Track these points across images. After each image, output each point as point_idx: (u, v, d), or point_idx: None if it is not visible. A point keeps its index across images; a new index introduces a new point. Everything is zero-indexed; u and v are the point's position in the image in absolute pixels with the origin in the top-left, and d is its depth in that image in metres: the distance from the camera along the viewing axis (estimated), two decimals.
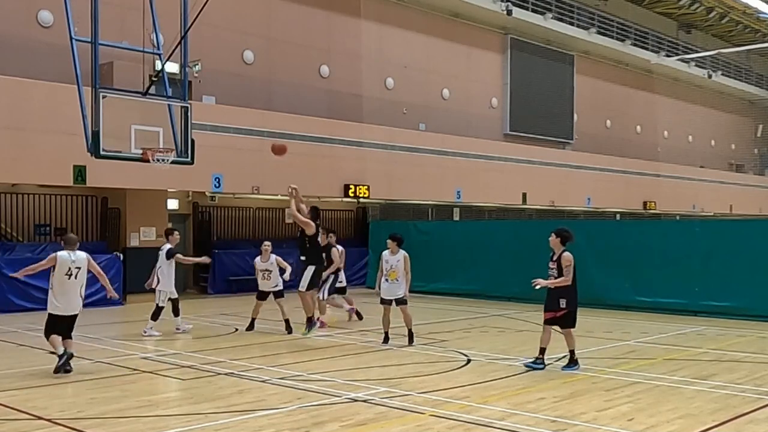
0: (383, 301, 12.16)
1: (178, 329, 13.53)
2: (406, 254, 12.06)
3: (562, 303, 9.81)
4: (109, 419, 7.54)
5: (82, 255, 9.89)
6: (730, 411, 7.80)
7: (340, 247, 15.05)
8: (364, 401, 8.21)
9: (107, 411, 7.88)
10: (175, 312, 13.53)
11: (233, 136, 19.54)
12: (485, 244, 19.70)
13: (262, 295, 13.96)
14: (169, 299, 13.43)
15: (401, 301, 12.04)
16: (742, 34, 43.33)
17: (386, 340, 12.18)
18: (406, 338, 12.12)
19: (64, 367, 9.58)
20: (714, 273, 15.82)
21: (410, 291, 12.22)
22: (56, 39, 16.93)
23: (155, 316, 13.27)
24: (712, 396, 8.50)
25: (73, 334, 10.28)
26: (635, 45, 36.64)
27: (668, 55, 38.61)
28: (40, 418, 7.52)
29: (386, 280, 12.06)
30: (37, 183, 17.28)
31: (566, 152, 32.19)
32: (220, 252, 20.77)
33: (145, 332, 13.14)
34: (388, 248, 12.16)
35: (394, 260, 12.02)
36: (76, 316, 9.95)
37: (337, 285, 15.00)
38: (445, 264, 20.27)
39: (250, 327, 13.75)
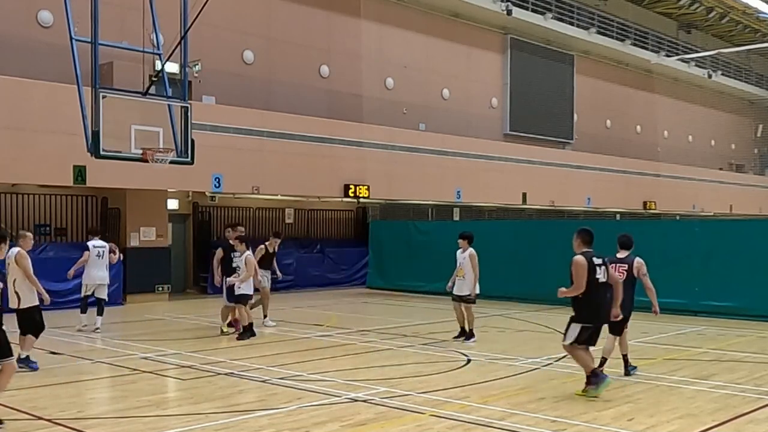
0: (453, 298, 12.50)
1: (98, 328, 13.67)
2: (473, 252, 12.37)
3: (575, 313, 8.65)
4: (109, 419, 7.54)
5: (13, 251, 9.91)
6: (730, 411, 7.81)
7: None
8: (364, 401, 8.22)
9: (107, 411, 7.89)
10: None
11: (233, 136, 19.53)
12: (485, 244, 19.57)
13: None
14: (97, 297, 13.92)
15: (464, 299, 12.31)
16: (742, 34, 43.32)
17: (460, 335, 12.45)
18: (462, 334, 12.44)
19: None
20: (714, 273, 15.81)
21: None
22: (56, 39, 16.92)
23: (102, 310, 13.82)
24: (712, 396, 8.50)
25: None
26: (635, 45, 36.63)
27: (668, 55, 38.60)
28: (40, 418, 7.52)
29: (456, 277, 12.37)
30: (37, 183, 17.27)
31: (566, 152, 32.18)
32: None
33: (98, 329, 13.55)
34: (460, 247, 12.43)
35: (462, 258, 12.35)
36: (15, 311, 9.85)
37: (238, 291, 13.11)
38: (445, 264, 20.18)
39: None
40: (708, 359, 10.98)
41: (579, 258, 8.54)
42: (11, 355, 7.23)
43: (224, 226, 19.27)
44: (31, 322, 9.94)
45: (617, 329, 9.43)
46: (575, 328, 8.47)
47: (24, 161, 15.97)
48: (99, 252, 13.96)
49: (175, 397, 8.94)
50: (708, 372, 9.93)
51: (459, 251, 12.46)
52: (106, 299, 14.15)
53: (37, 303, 9.89)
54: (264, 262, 14.22)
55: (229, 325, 13.45)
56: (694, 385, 9.06)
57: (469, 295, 12.29)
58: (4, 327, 7.25)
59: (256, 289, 13.70)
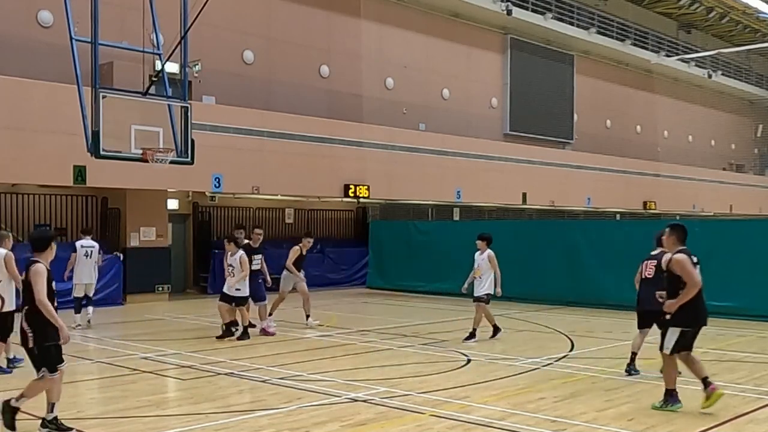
0: (473, 300, 12.56)
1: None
2: (492, 253, 12.39)
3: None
4: (109, 419, 7.53)
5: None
6: (730, 411, 7.80)
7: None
8: (364, 401, 8.21)
9: (107, 411, 7.88)
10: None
11: (233, 136, 19.52)
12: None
13: (225, 297, 12.96)
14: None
15: (477, 299, 12.37)
16: (742, 34, 43.29)
17: (494, 333, 12.61)
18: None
19: None
20: (714, 273, 15.61)
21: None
22: (56, 39, 16.91)
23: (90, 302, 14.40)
24: None
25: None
26: (635, 45, 36.61)
27: (668, 55, 38.59)
28: (41, 418, 7.50)
29: (474, 277, 12.46)
30: (37, 183, 17.27)
31: (566, 152, 32.17)
32: (220, 252, 20.70)
33: (89, 320, 14.23)
34: (478, 248, 12.49)
35: (480, 259, 12.41)
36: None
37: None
38: (445, 264, 20.24)
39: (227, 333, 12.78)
40: (708, 359, 10.93)
41: (681, 256, 7.84)
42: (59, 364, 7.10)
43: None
44: (3, 327, 9.65)
45: (647, 324, 9.51)
46: (674, 333, 7.79)
47: (24, 161, 15.97)
48: (87, 252, 14.13)
49: (175, 397, 8.93)
50: (708, 372, 9.90)
51: (477, 253, 12.50)
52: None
53: (15, 308, 9.63)
54: (298, 263, 14.30)
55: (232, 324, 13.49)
56: (694, 385, 9.01)
57: (483, 295, 12.35)
58: None
59: (269, 289, 13.75)
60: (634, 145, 37.45)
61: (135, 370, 10.11)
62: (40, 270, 6.90)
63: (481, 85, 30.28)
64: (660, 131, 39.96)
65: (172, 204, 20.77)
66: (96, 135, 11.52)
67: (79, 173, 16.35)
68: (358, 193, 22.35)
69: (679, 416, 7.55)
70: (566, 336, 13.10)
